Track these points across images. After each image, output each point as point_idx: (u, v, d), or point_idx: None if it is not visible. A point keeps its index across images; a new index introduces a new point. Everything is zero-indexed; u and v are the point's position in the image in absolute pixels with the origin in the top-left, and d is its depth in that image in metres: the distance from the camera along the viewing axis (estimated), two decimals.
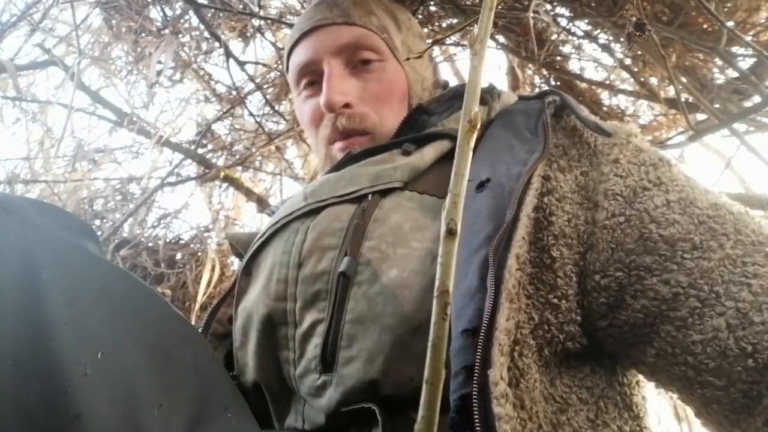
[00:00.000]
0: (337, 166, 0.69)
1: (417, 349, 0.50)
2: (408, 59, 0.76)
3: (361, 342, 0.53)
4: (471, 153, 0.37)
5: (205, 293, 1.71)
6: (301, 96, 0.78)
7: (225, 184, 2.03)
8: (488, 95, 0.74)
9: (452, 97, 0.76)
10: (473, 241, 0.51)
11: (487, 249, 0.49)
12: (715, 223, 0.53)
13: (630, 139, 0.62)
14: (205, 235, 1.98)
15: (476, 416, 0.41)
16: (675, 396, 0.55)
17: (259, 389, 0.62)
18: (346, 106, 0.72)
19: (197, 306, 1.69)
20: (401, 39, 0.77)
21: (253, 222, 2.20)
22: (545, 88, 1.67)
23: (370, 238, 0.58)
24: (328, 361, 0.54)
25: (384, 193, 0.62)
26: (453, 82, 0.88)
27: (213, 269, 1.75)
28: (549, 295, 0.53)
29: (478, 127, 0.37)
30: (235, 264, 1.94)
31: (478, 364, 0.43)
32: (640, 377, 0.60)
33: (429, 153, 0.66)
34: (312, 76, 0.76)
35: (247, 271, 0.65)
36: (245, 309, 0.63)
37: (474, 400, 0.41)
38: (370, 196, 0.62)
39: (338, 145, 0.73)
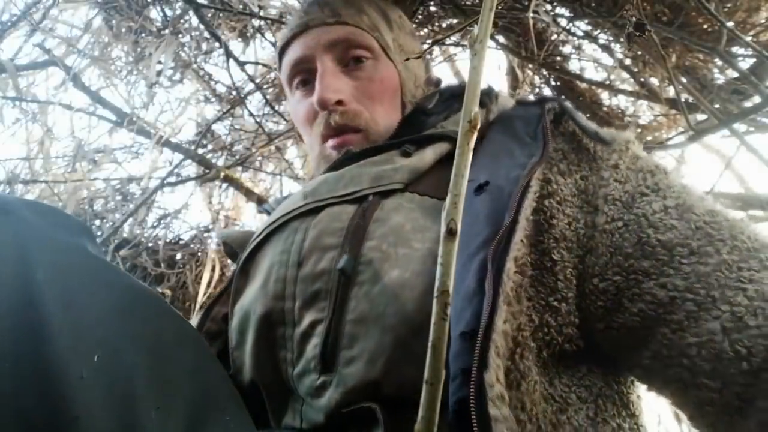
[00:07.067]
0: (336, 166, 0.69)
1: (418, 349, 0.50)
2: (407, 59, 0.77)
3: (362, 342, 0.53)
4: (471, 153, 0.37)
5: (205, 293, 1.71)
6: (295, 96, 0.79)
7: (225, 185, 2.03)
8: (486, 97, 0.74)
9: (450, 98, 0.76)
10: (471, 244, 0.51)
11: (485, 252, 0.49)
12: (711, 229, 0.54)
13: (629, 146, 0.62)
14: (205, 235, 1.97)
15: (473, 418, 0.41)
16: (669, 401, 0.55)
17: (256, 388, 0.61)
18: (339, 103, 0.72)
19: (197, 306, 1.69)
20: (393, 37, 0.78)
21: (253, 222, 2.20)
22: (545, 88, 1.67)
23: (372, 238, 0.58)
24: (328, 362, 0.54)
25: (384, 194, 0.63)
26: (453, 82, 0.88)
27: (213, 269, 1.75)
28: (549, 298, 0.53)
29: (478, 127, 0.37)
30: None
31: (475, 367, 0.43)
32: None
33: (429, 155, 0.66)
34: (305, 75, 0.77)
35: (244, 271, 0.65)
36: (242, 308, 0.62)
37: (471, 403, 0.41)
38: (370, 197, 0.62)
39: (331, 142, 0.73)
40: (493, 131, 0.68)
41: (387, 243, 0.57)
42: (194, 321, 0.72)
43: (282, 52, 0.80)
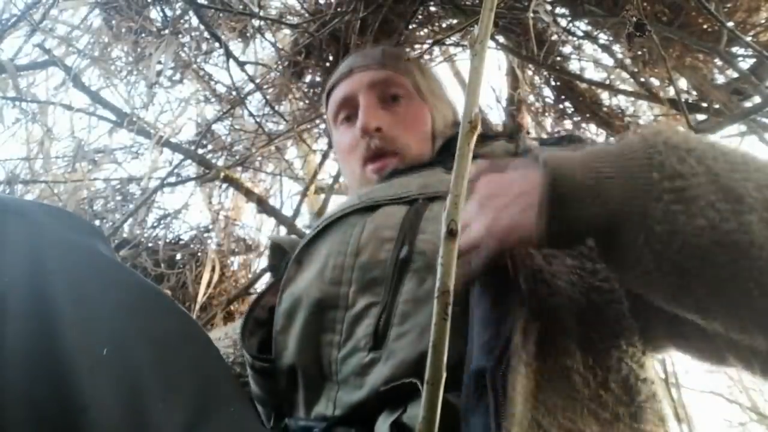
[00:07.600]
0: (385, 179, 0.82)
1: (464, 324, 0.55)
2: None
3: (413, 318, 0.60)
4: (471, 154, 0.38)
5: (204, 293, 1.71)
6: (339, 130, 0.92)
7: (225, 185, 2.02)
8: (516, 133, 0.88)
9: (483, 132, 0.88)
10: None
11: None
12: None
13: None
14: (205, 235, 1.97)
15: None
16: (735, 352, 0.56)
17: (293, 375, 0.65)
18: (378, 130, 0.85)
19: (197, 306, 1.68)
20: (426, 83, 0.93)
21: (253, 222, 2.20)
22: (545, 88, 1.67)
23: (424, 232, 0.66)
24: (379, 339, 0.60)
25: (431, 198, 0.71)
26: (452, 83, 0.98)
27: (213, 269, 1.75)
28: (591, 280, 0.58)
29: (479, 128, 0.37)
30: (236, 264, 1.94)
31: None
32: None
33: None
34: (348, 111, 0.90)
35: (298, 261, 0.72)
36: (293, 294, 0.69)
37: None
38: (420, 200, 0.71)
39: (371, 166, 0.86)
40: (521, 157, 0.78)
41: (437, 238, 0.61)
42: (231, 321, 0.79)
43: (329, 93, 0.95)
